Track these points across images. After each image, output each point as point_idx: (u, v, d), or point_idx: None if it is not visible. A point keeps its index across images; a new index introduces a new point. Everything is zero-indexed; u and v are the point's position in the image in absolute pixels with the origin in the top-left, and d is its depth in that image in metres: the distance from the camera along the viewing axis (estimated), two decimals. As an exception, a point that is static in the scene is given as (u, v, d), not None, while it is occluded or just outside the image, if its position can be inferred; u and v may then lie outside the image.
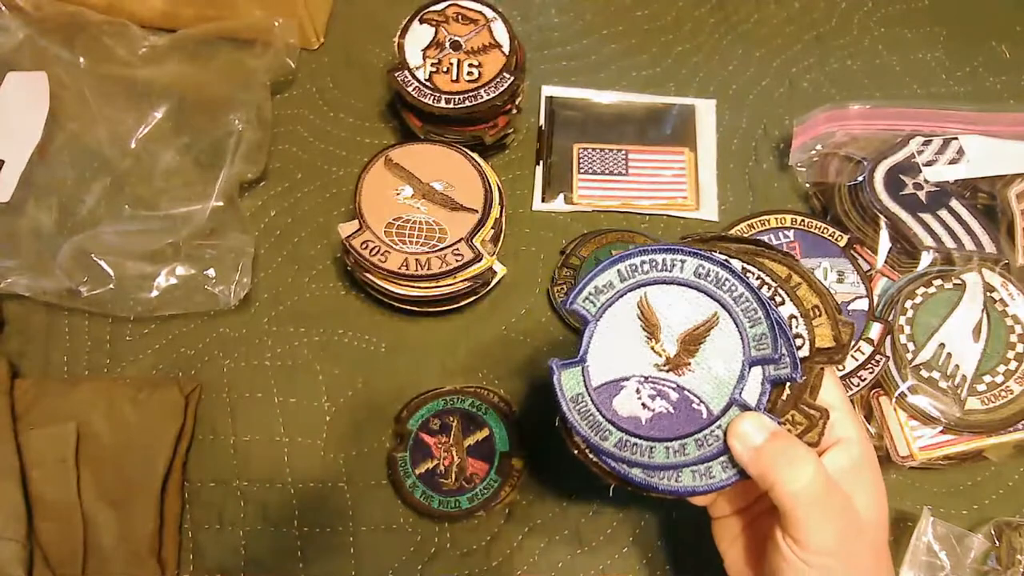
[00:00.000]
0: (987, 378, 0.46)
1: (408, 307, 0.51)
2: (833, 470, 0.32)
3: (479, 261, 0.49)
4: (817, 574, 0.31)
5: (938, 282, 0.49)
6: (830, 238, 0.51)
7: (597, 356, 0.34)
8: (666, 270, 0.34)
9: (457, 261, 0.48)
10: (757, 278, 0.35)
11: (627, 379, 0.34)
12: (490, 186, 0.51)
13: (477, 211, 0.50)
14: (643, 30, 0.66)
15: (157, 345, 0.52)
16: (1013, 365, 0.46)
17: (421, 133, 0.55)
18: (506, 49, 0.54)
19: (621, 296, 0.35)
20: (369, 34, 0.64)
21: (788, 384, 0.33)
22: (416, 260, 0.48)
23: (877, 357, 0.47)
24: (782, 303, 0.34)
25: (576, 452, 0.35)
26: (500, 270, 0.51)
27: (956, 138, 0.54)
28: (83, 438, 0.46)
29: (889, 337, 0.47)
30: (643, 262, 0.35)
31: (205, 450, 0.49)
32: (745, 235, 0.36)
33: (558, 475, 0.49)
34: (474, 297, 0.52)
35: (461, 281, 0.49)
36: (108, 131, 0.57)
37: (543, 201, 0.58)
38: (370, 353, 0.52)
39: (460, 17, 0.55)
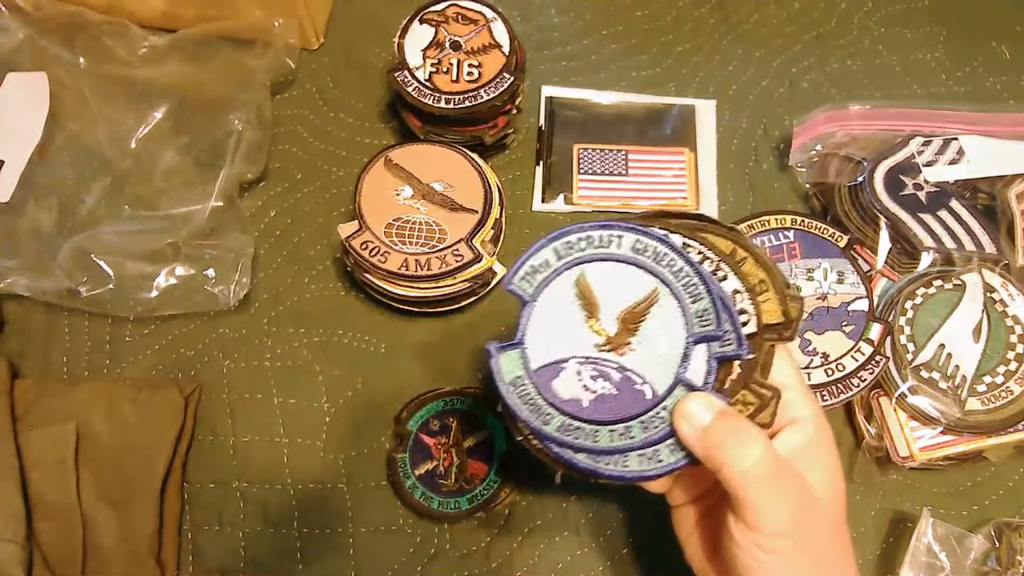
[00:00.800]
0: (987, 379, 0.46)
1: (408, 307, 0.51)
2: (786, 450, 0.31)
3: (479, 262, 0.49)
4: (771, 557, 0.30)
5: (938, 282, 0.49)
6: (830, 238, 0.51)
7: (535, 338, 0.33)
8: (603, 246, 0.33)
9: (457, 262, 0.48)
10: (698, 253, 0.34)
11: (567, 360, 0.33)
12: (490, 186, 0.51)
13: (477, 211, 0.50)
14: (643, 30, 0.66)
15: (157, 345, 0.52)
16: (1013, 366, 0.46)
17: (421, 133, 0.55)
18: (506, 49, 0.54)
19: (558, 275, 0.34)
20: (369, 34, 0.64)
21: (738, 363, 0.32)
22: (416, 260, 0.48)
23: (877, 357, 0.47)
24: (725, 278, 0.33)
25: (520, 439, 0.34)
26: (500, 270, 0.51)
27: (956, 138, 0.54)
28: (83, 439, 0.46)
29: (889, 337, 0.47)
30: (579, 239, 0.34)
31: (205, 451, 0.49)
32: (691, 211, 0.35)
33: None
34: (474, 298, 0.52)
35: (461, 282, 0.49)
36: (108, 131, 0.57)
37: (543, 201, 0.58)
38: (370, 354, 0.52)
39: (460, 17, 0.55)
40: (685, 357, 0.32)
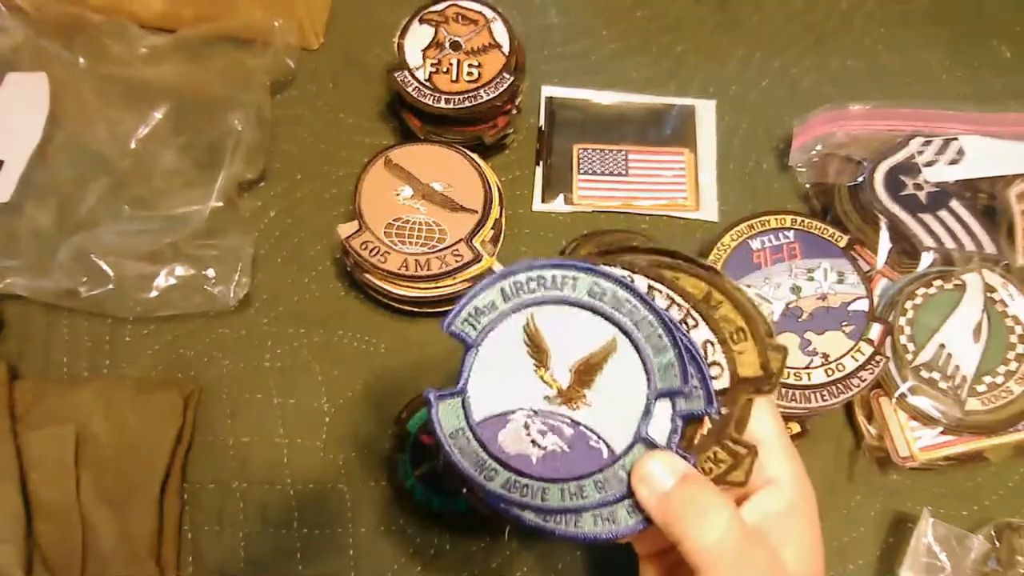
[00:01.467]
0: (987, 379, 0.46)
1: (408, 308, 0.51)
2: (758, 516, 0.28)
3: (479, 262, 0.49)
4: None
5: (938, 283, 0.49)
6: (830, 238, 0.51)
7: (479, 386, 0.30)
8: (556, 288, 0.30)
9: (457, 262, 0.48)
10: (666, 297, 0.31)
11: (514, 412, 0.30)
12: (490, 186, 0.51)
13: (477, 212, 0.50)
14: (643, 30, 0.66)
15: (157, 346, 0.52)
16: (1013, 366, 0.46)
17: (421, 133, 0.55)
18: (506, 49, 0.54)
19: (505, 318, 0.31)
20: (369, 34, 0.64)
21: (711, 418, 0.29)
22: (416, 261, 0.48)
23: (877, 358, 0.46)
24: (695, 326, 0.30)
25: (464, 491, 0.31)
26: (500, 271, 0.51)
27: (956, 138, 0.54)
28: (82, 439, 0.46)
29: (889, 338, 0.47)
30: (529, 279, 0.31)
31: (204, 451, 0.49)
32: (662, 246, 0.32)
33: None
34: (474, 298, 0.51)
35: (461, 282, 0.49)
36: (108, 131, 0.57)
37: (543, 202, 0.58)
38: (370, 354, 0.52)
39: (460, 17, 0.55)
40: (646, 413, 0.29)
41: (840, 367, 0.47)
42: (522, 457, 0.30)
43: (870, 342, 0.47)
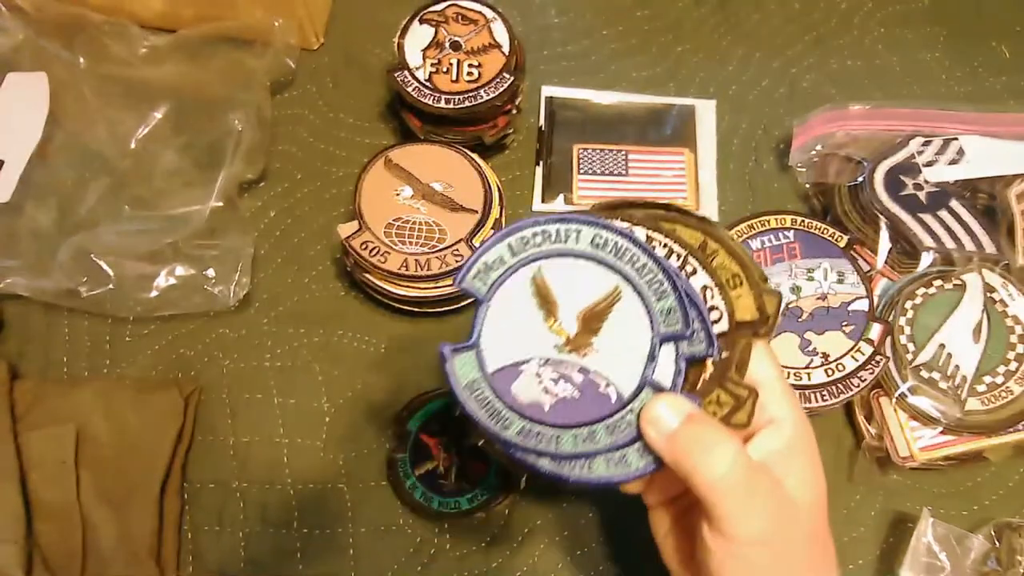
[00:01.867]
0: (987, 379, 0.46)
1: (408, 308, 0.51)
2: (763, 453, 0.30)
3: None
4: (745, 566, 0.29)
5: (938, 282, 0.49)
6: (830, 238, 0.51)
7: (492, 339, 0.31)
8: (560, 242, 0.32)
9: (457, 262, 0.48)
10: (664, 247, 0.32)
11: (526, 362, 0.31)
12: (490, 186, 0.51)
13: (477, 212, 0.50)
14: (643, 30, 0.66)
15: (157, 346, 0.52)
16: (1013, 366, 0.46)
17: (421, 133, 0.55)
18: (506, 49, 0.54)
19: (513, 272, 0.32)
20: (369, 34, 0.64)
21: (711, 361, 0.30)
22: (416, 261, 0.48)
23: (877, 358, 0.47)
24: (693, 272, 0.32)
25: (480, 443, 0.33)
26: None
27: (956, 138, 0.54)
28: (82, 439, 0.46)
29: (889, 338, 0.47)
30: (535, 234, 0.32)
31: (205, 451, 0.49)
32: (660, 200, 0.33)
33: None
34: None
35: (461, 281, 0.49)
36: (108, 131, 0.57)
37: (543, 202, 0.58)
38: (370, 354, 0.52)
39: (460, 17, 0.55)
40: (651, 358, 0.30)
41: (840, 367, 0.47)
42: (535, 405, 0.31)
43: (870, 342, 0.47)
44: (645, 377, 0.30)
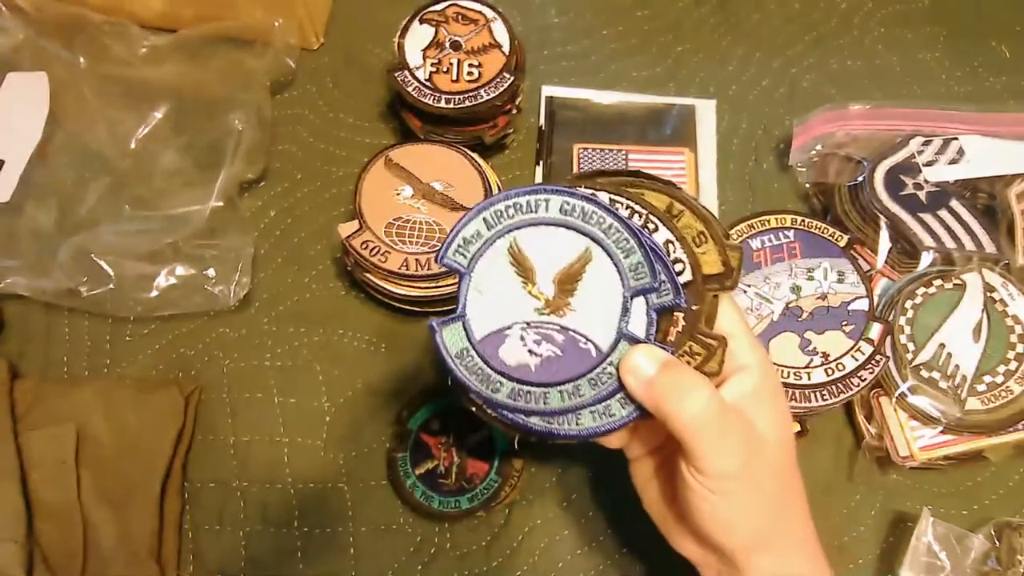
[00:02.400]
0: (987, 378, 0.46)
1: (408, 307, 0.51)
2: (734, 397, 0.32)
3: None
4: (722, 499, 0.31)
5: (938, 282, 0.49)
6: (830, 238, 0.51)
7: (476, 308, 0.33)
8: (531, 211, 0.33)
9: (457, 261, 0.48)
10: (626, 208, 0.34)
11: (510, 327, 0.33)
12: (490, 186, 0.51)
13: (477, 211, 0.50)
14: (643, 30, 0.66)
15: (157, 345, 0.52)
16: (1013, 365, 0.46)
17: (421, 133, 0.55)
18: (506, 49, 0.54)
19: (491, 244, 0.33)
20: (369, 34, 0.64)
21: (683, 315, 0.33)
22: (416, 260, 0.48)
23: (877, 357, 0.47)
24: (656, 230, 0.34)
25: (473, 409, 0.34)
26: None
27: (956, 138, 0.54)
28: (83, 439, 0.46)
29: (889, 337, 0.47)
30: (507, 207, 0.34)
31: (205, 451, 0.49)
32: (629, 168, 0.36)
33: (558, 475, 0.49)
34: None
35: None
36: (108, 131, 0.57)
37: (543, 201, 0.58)
38: (370, 353, 0.52)
39: (460, 17, 0.55)
40: (625, 311, 0.32)
41: (840, 366, 0.47)
42: (522, 367, 0.33)
43: (870, 342, 0.47)
44: (620, 330, 0.32)
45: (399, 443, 0.48)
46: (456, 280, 0.34)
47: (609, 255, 0.33)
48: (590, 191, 0.34)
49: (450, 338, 0.33)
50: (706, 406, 0.30)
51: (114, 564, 0.44)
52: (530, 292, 0.33)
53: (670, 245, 0.33)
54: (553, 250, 0.33)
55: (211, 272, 0.52)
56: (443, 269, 0.48)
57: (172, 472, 0.47)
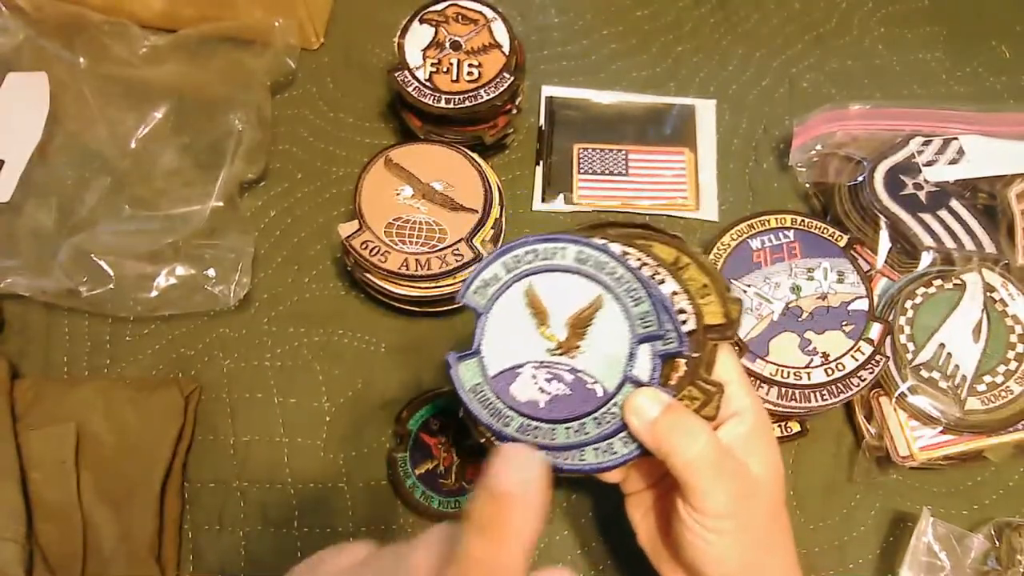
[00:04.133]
0: (987, 378, 0.46)
1: (408, 307, 0.51)
2: (729, 439, 0.34)
3: (479, 261, 0.48)
4: (716, 536, 0.33)
5: (938, 282, 0.49)
6: (830, 238, 0.51)
7: (491, 346, 0.35)
8: (548, 258, 0.35)
9: (457, 261, 0.48)
10: (637, 260, 0.36)
11: (522, 366, 0.35)
12: (490, 186, 0.51)
13: (477, 211, 0.50)
14: (643, 30, 0.66)
15: (157, 345, 0.52)
16: (1013, 365, 0.46)
17: (421, 133, 0.55)
18: (506, 49, 0.54)
19: (508, 287, 0.35)
20: (369, 34, 0.64)
21: (685, 362, 0.34)
22: (416, 260, 0.48)
23: (877, 357, 0.47)
24: (663, 281, 0.36)
25: (483, 440, 0.36)
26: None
27: (956, 138, 0.54)
28: (83, 439, 0.46)
29: (889, 337, 0.47)
30: (526, 252, 0.36)
31: (205, 451, 0.49)
32: (637, 221, 0.39)
33: (557, 474, 0.49)
34: (474, 297, 0.52)
35: (461, 281, 0.49)
36: (108, 131, 0.57)
37: (543, 201, 0.58)
38: (370, 353, 0.52)
39: (460, 17, 0.55)
40: (631, 356, 0.34)
41: (840, 366, 0.47)
42: (532, 403, 0.34)
43: (870, 342, 0.47)
44: (626, 374, 0.34)
45: (399, 443, 0.48)
46: (461, 279, 0.35)
47: (619, 303, 0.34)
48: (604, 242, 0.36)
49: (465, 373, 0.35)
50: (705, 448, 0.32)
51: (114, 564, 0.44)
52: (543, 334, 0.35)
53: (676, 296, 0.35)
54: (567, 295, 0.35)
55: (211, 272, 0.52)
56: (443, 269, 0.48)
57: (172, 472, 0.47)
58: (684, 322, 0.35)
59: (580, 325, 0.34)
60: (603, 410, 0.34)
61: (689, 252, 0.37)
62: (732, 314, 0.35)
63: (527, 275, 0.35)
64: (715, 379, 0.34)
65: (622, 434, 0.33)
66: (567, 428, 0.34)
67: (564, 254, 0.35)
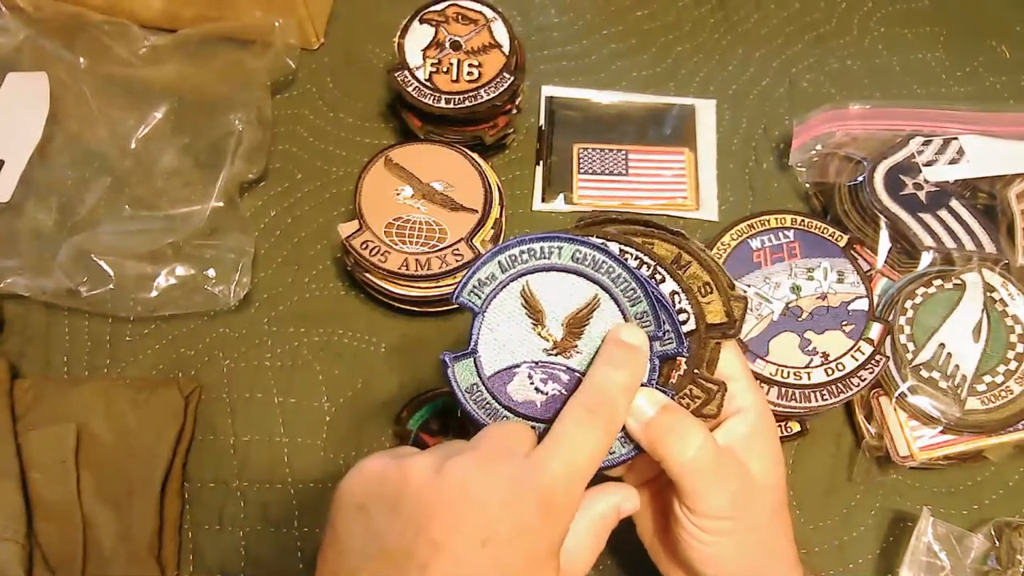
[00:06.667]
0: (987, 378, 0.46)
1: (408, 307, 0.51)
2: (731, 438, 0.34)
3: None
4: (713, 538, 0.33)
5: (938, 282, 0.49)
6: (830, 238, 0.51)
7: (487, 346, 0.35)
8: (544, 257, 0.35)
9: (457, 261, 0.48)
10: (635, 259, 0.36)
11: (518, 366, 0.34)
12: (490, 186, 0.51)
13: (477, 211, 0.50)
14: (643, 30, 0.66)
15: (157, 345, 0.52)
16: (1013, 365, 0.46)
17: (421, 133, 0.55)
18: (506, 49, 0.54)
19: (504, 286, 0.35)
20: (369, 34, 0.64)
21: (684, 360, 0.34)
22: (416, 260, 0.48)
23: (877, 357, 0.47)
24: (662, 280, 0.35)
25: None
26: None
27: (956, 138, 0.54)
28: (83, 439, 0.46)
29: (889, 337, 0.47)
30: (522, 252, 0.35)
31: (205, 450, 0.49)
32: (640, 216, 0.38)
33: None
34: (474, 297, 0.52)
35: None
36: (108, 131, 0.57)
37: (543, 201, 0.58)
38: (370, 353, 0.52)
39: (460, 17, 0.55)
40: None
41: (840, 366, 0.47)
42: (528, 403, 0.34)
43: (870, 341, 0.47)
44: None
45: (399, 443, 0.48)
46: (459, 281, 0.35)
47: (616, 302, 0.34)
48: (601, 240, 0.35)
49: (461, 373, 0.35)
50: (701, 449, 0.32)
51: (114, 563, 0.44)
52: (539, 333, 0.34)
53: (676, 296, 0.35)
54: (563, 295, 0.34)
55: (211, 272, 0.52)
56: (443, 269, 0.48)
57: (172, 472, 0.47)
58: (684, 322, 0.34)
59: (576, 325, 0.34)
60: None
61: (691, 249, 0.36)
62: (735, 312, 0.35)
63: (523, 274, 0.35)
64: (717, 377, 0.34)
65: (619, 433, 0.33)
66: None
67: (561, 253, 0.35)
